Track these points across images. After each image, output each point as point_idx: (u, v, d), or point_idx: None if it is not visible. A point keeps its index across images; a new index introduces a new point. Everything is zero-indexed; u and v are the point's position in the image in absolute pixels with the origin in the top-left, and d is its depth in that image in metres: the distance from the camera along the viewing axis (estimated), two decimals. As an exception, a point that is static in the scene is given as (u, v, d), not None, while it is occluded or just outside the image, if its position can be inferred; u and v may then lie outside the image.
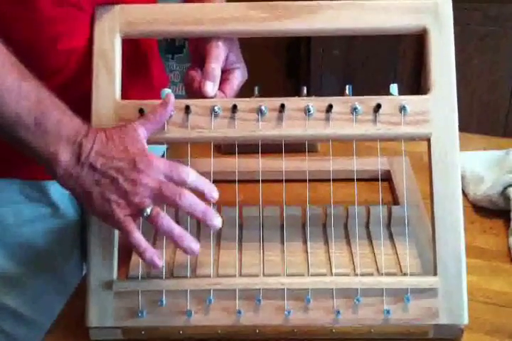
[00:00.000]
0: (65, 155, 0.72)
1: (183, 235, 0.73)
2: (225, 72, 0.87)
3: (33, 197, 0.95)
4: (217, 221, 0.74)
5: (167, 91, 0.81)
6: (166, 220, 0.73)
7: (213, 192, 0.74)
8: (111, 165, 0.72)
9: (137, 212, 0.72)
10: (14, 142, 0.73)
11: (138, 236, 0.72)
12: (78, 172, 0.72)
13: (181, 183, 0.73)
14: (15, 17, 0.79)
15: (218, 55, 0.85)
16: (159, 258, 0.73)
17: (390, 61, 2.13)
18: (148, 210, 0.72)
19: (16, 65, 0.72)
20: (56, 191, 0.97)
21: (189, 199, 0.73)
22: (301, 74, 2.22)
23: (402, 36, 2.04)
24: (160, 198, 0.72)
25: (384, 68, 2.14)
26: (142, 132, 0.76)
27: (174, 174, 0.73)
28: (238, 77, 0.88)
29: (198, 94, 0.84)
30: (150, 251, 0.73)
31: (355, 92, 0.82)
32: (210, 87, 0.83)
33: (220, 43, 0.85)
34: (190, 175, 0.74)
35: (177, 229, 0.73)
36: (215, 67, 0.84)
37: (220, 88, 0.85)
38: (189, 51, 0.94)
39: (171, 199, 0.72)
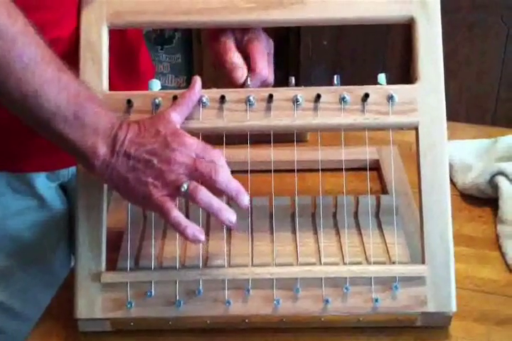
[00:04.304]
0: (103, 148, 0.72)
1: (222, 207, 0.73)
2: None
3: (20, 189, 0.95)
4: (247, 200, 0.74)
5: (155, 81, 0.81)
6: (205, 193, 0.72)
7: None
8: (144, 149, 0.72)
9: (174, 190, 0.72)
10: (51, 135, 0.73)
11: (177, 215, 0.72)
12: (114, 163, 0.72)
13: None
14: None
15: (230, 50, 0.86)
16: (201, 233, 0.73)
17: (378, 51, 2.13)
18: (186, 185, 0.71)
19: (53, 57, 0.72)
20: (42, 184, 0.96)
21: (224, 175, 0.73)
22: (290, 65, 2.22)
23: (391, 26, 2.04)
24: (195, 175, 0.72)
25: (373, 58, 2.13)
26: (174, 116, 0.76)
27: (206, 155, 0.73)
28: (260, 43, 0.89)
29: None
30: (191, 227, 0.72)
31: (344, 83, 0.81)
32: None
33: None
34: (221, 159, 0.74)
35: (216, 202, 0.73)
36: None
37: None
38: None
39: (207, 174, 0.72)
